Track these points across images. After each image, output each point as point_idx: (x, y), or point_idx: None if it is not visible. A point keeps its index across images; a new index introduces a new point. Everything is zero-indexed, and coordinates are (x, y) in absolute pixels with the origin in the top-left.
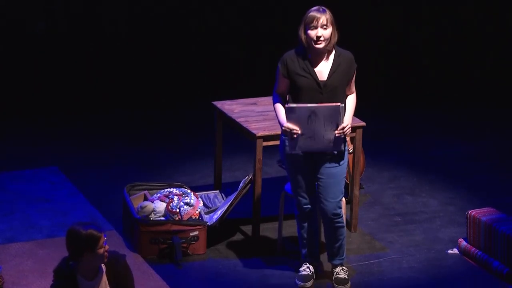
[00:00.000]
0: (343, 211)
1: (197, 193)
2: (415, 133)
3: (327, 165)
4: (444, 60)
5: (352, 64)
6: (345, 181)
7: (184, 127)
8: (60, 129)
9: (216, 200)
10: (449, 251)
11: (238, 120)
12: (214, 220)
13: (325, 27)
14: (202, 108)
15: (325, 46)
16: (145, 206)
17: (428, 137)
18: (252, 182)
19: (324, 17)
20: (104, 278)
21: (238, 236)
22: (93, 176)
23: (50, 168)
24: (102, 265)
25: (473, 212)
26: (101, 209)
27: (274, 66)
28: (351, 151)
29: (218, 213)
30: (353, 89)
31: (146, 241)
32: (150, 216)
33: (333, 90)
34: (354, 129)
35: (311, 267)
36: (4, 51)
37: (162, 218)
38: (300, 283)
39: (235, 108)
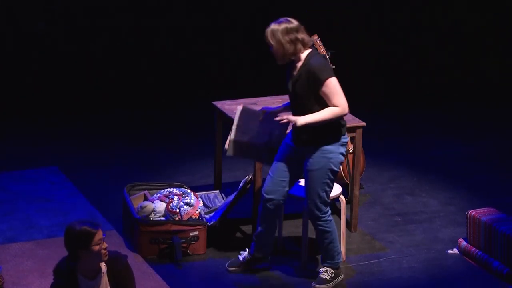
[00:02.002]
0: (343, 210)
1: (197, 193)
2: (415, 133)
3: (306, 166)
4: (444, 60)
5: (311, 76)
6: (345, 181)
7: (184, 127)
8: (60, 129)
9: (216, 200)
10: (449, 251)
11: None
12: (214, 220)
13: (269, 45)
14: (202, 108)
15: (278, 61)
16: (145, 206)
17: (428, 137)
18: (252, 182)
19: (266, 35)
20: (105, 278)
21: (238, 236)
22: (93, 176)
23: (50, 168)
24: (104, 265)
25: (473, 212)
26: (101, 209)
27: (273, 66)
28: (351, 151)
29: (218, 213)
30: (334, 101)
31: (146, 241)
32: (150, 216)
33: (298, 98)
34: (354, 129)
35: (247, 255)
36: (4, 51)
37: (162, 218)
38: (227, 266)
39: (235, 108)
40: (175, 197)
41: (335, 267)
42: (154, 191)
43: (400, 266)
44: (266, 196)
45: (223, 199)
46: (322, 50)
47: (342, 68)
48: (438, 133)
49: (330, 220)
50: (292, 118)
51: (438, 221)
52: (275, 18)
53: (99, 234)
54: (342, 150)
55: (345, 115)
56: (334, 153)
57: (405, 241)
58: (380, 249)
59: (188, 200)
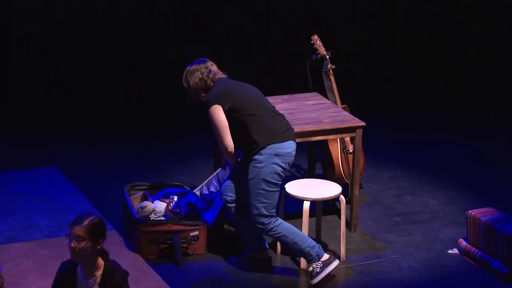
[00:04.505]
0: (343, 210)
1: (197, 188)
2: (415, 133)
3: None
4: (444, 60)
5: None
6: (345, 181)
7: (184, 127)
8: (60, 129)
9: (213, 190)
10: (449, 251)
11: None
12: (212, 220)
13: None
14: (202, 108)
15: (188, 101)
16: (145, 206)
17: (428, 137)
18: None
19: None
20: (97, 286)
21: (238, 236)
22: (93, 176)
23: (50, 168)
24: (99, 274)
25: (473, 212)
26: (101, 209)
27: (273, 66)
28: (351, 151)
29: (215, 211)
30: (218, 139)
31: (146, 241)
32: (150, 216)
33: None
34: (354, 129)
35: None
36: (4, 51)
37: (162, 218)
38: (231, 255)
39: None
40: (175, 197)
41: (317, 260)
42: (154, 191)
43: (400, 266)
44: (223, 196)
45: (219, 184)
46: (322, 50)
47: (342, 68)
48: (438, 133)
49: (278, 225)
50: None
51: (438, 221)
52: (274, 18)
53: (72, 230)
54: (277, 160)
55: (228, 152)
56: (265, 162)
57: (405, 241)
58: (380, 249)
59: (188, 200)
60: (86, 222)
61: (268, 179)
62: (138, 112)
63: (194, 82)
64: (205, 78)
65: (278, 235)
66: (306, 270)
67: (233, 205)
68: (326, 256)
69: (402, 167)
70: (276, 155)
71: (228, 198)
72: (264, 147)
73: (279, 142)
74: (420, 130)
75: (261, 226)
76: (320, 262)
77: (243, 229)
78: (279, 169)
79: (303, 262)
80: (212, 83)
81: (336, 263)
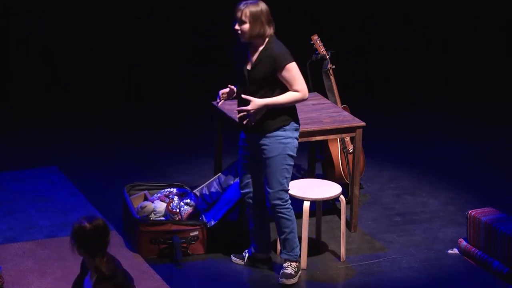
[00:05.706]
0: (343, 210)
1: (196, 189)
2: (415, 133)
3: (263, 155)
4: (444, 60)
5: (275, 62)
6: (345, 181)
7: (184, 127)
8: (60, 129)
9: (214, 192)
10: (449, 251)
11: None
12: (214, 221)
13: (241, 22)
14: (202, 108)
15: (245, 39)
16: (145, 206)
17: (428, 137)
18: None
19: (240, 12)
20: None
21: (238, 236)
22: (93, 176)
23: (50, 168)
24: (94, 275)
25: (473, 212)
26: (101, 209)
27: None
28: (351, 151)
29: (217, 214)
30: (295, 87)
31: (146, 241)
32: (150, 216)
33: (255, 82)
34: (354, 129)
35: (251, 251)
36: (4, 51)
37: (162, 218)
38: (232, 255)
39: (235, 108)
40: (175, 197)
41: (294, 260)
42: (154, 191)
43: (400, 266)
44: (242, 191)
45: (221, 187)
46: (322, 50)
47: (342, 68)
48: (438, 133)
49: (291, 209)
50: (249, 107)
51: (438, 221)
52: (274, 18)
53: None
54: (296, 134)
55: (305, 100)
56: (289, 138)
57: (405, 241)
58: (380, 249)
59: (188, 200)
60: (73, 226)
61: (293, 154)
62: (138, 112)
63: (264, 21)
64: (271, 24)
65: (286, 217)
66: (278, 262)
67: (249, 198)
68: (297, 263)
69: (402, 167)
70: (296, 130)
71: (251, 194)
72: (289, 123)
73: (296, 118)
74: (420, 130)
75: (280, 202)
76: (296, 266)
77: (255, 226)
78: (297, 144)
79: (279, 249)
80: (268, 34)
81: (300, 272)
